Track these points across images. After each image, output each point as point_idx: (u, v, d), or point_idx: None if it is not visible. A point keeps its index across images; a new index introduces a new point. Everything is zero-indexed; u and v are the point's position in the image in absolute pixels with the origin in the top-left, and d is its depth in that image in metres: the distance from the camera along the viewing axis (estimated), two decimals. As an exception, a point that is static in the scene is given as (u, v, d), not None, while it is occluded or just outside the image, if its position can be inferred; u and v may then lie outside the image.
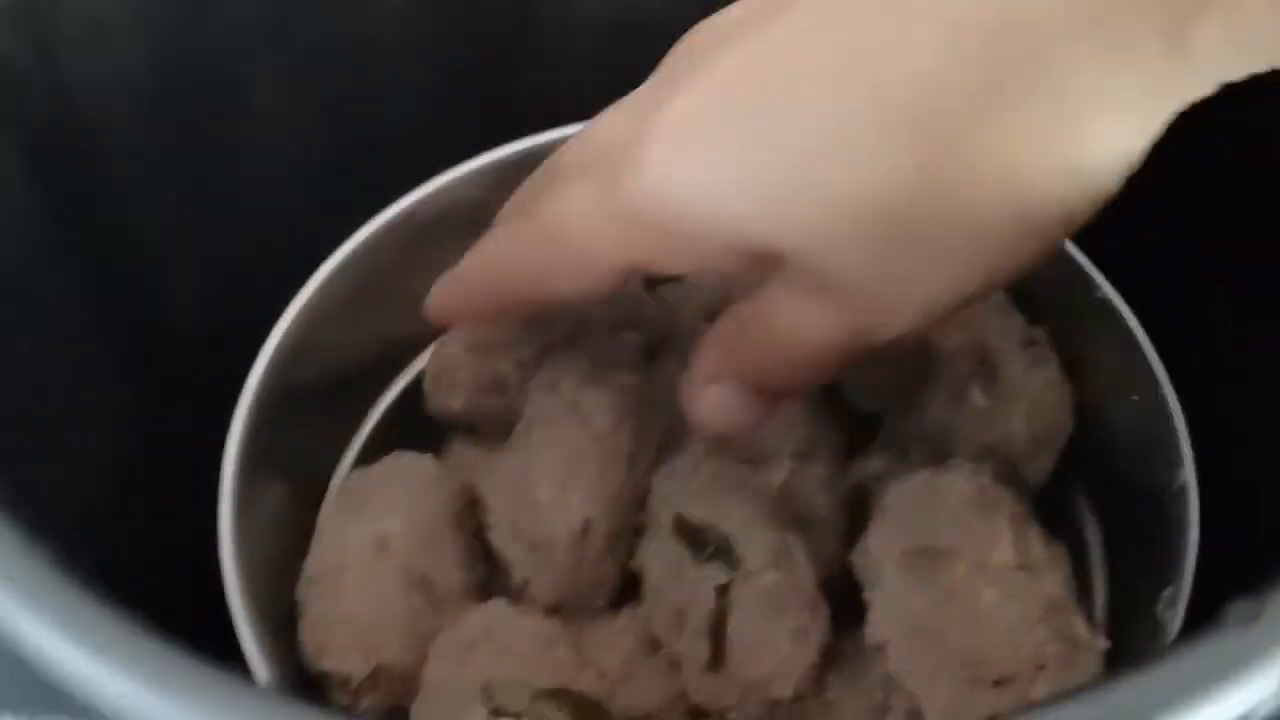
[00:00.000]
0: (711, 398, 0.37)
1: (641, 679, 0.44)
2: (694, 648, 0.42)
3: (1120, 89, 0.29)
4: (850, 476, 0.48)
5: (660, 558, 0.43)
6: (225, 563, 0.40)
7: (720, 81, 0.32)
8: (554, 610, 0.45)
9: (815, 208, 0.31)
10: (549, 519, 0.44)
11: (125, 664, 0.24)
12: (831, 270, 0.32)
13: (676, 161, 0.32)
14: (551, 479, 0.44)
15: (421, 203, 0.49)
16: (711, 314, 0.52)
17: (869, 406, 0.48)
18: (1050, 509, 0.44)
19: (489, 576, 0.46)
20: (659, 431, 0.47)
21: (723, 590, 0.41)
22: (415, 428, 0.50)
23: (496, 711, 0.38)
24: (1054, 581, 0.38)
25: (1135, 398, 0.43)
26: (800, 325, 0.34)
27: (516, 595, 0.45)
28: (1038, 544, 0.39)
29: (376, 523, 0.44)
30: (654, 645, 0.44)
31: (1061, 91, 0.29)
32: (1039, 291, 0.46)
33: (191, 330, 0.49)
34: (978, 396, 0.44)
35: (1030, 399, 0.44)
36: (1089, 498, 0.48)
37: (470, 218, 0.44)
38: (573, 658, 0.41)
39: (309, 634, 0.42)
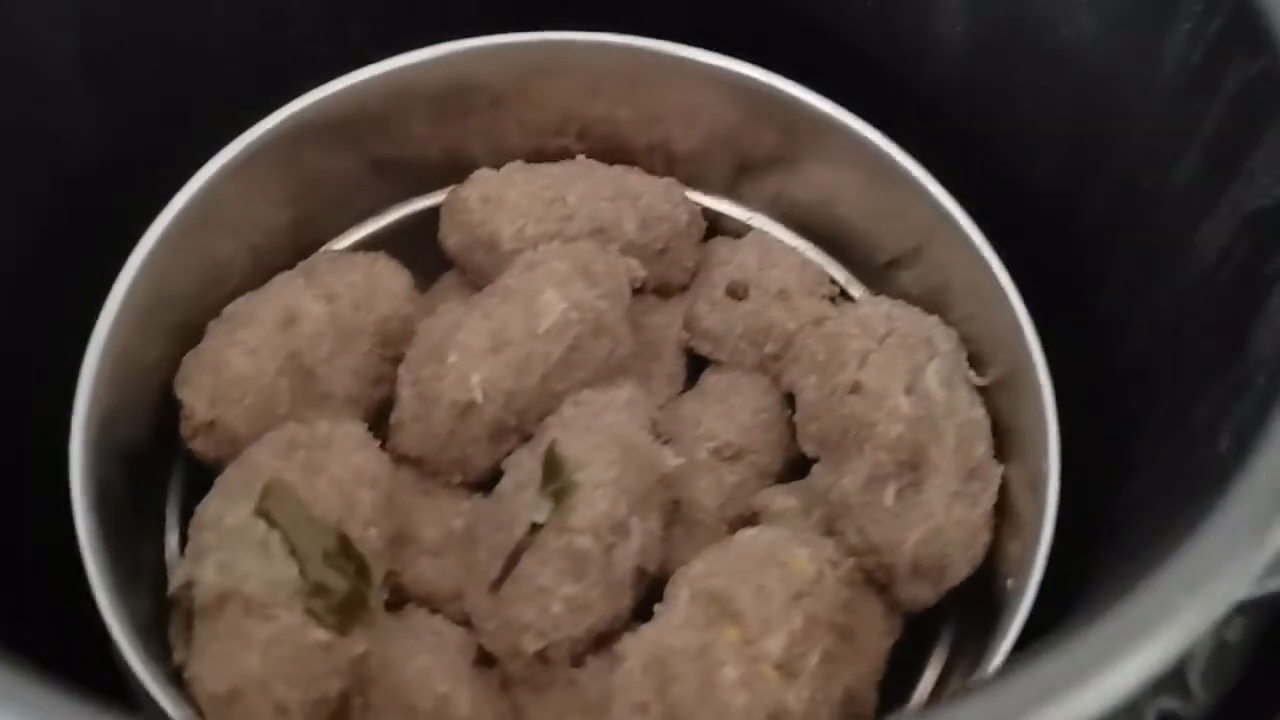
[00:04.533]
0: None
1: (445, 564, 0.44)
2: (487, 562, 0.41)
3: None
4: (753, 502, 0.45)
5: (519, 468, 0.43)
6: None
7: None
8: (412, 463, 0.45)
9: None
10: (443, 381, 0.44)
11: None
12: None
13: None
14: (467, 346, 0.44)
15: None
16: (736, 289, 0.49)
17: (809, 450, 0.45)
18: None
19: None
20: (602, 362, 0.46)
21: (534, 528, 0.40)
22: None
23: (261, 512, 0.39)
24: (799, 698, 0.35)
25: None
26: None
27: (389, 432, 0.45)
28: (816, 658, 0.36)
29: (304, 300, 0.45)
30: (473, 541, 0.44)
31: None
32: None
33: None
34: (888, 495, 0.41)
35: (933, 529, 0.40)
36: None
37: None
38: (378, 509, 0.41)
39: (188, 359, 0.44)
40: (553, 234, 0.47)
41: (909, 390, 0.41)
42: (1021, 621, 0.37)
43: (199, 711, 0.38)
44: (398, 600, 0.44)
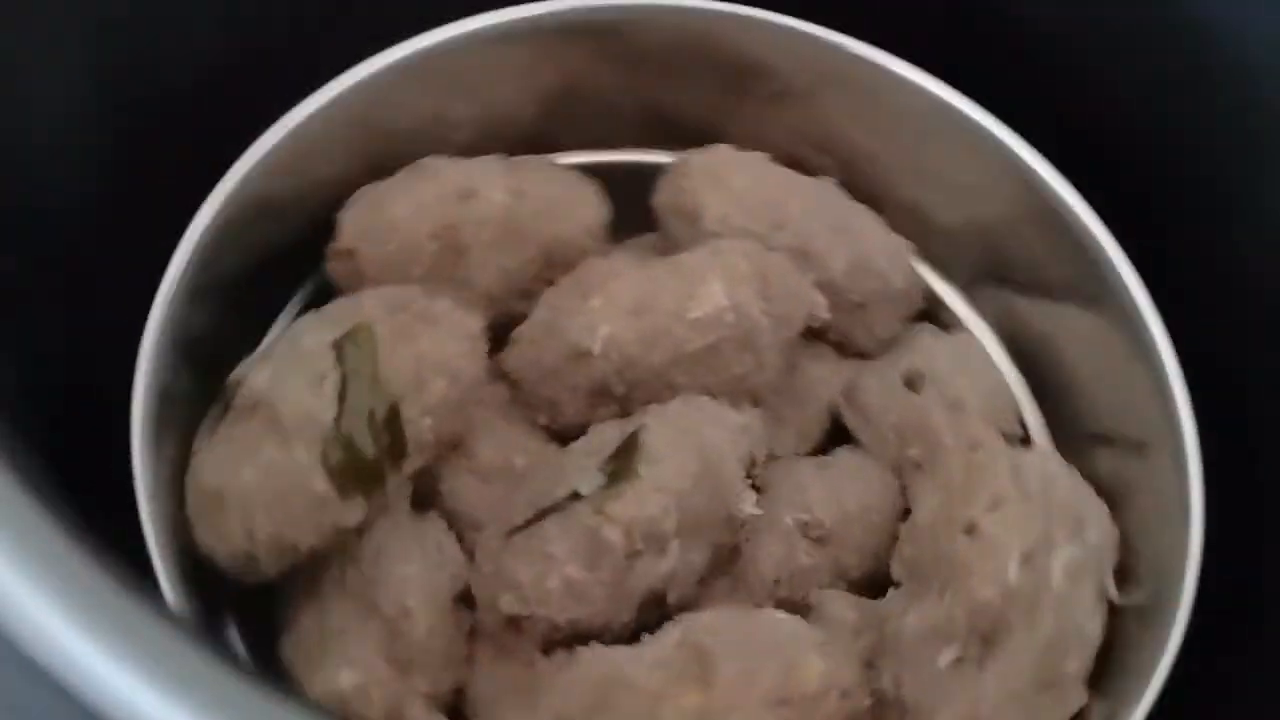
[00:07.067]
0: None
1: (487, 492, 0.41)
2: (518, 508, 0.38)
3: None
4: (811, 595, 0.40)
5: (600, 436, 0.39)
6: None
7: None
8: (510, 383, 0.43)
9: None
10: (573, 318, 0.41)
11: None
12: None
13: None
14: (612, 296, 0.41)
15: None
16: (913, 379, 0.44)
17: (896, 572, 0.39)
18: None
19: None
20: (736, 378, 0.41)
21: (574, 495, 0.37)
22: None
23: (336, 346, 0.37)
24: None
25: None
26: None
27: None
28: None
29: (492, 182, 0.43)
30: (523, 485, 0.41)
31: None
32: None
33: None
34: (944, 656, 0.35)
35: (971, 715, 0.34)
36: None
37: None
38: (446, 404, 0.38)
39: (366, 189, 0.43)
40: (756, 234, 0.44)
41: (1026, 559, 0.35)
42: None
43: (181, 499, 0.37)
44: (425, 503, 0.42)
